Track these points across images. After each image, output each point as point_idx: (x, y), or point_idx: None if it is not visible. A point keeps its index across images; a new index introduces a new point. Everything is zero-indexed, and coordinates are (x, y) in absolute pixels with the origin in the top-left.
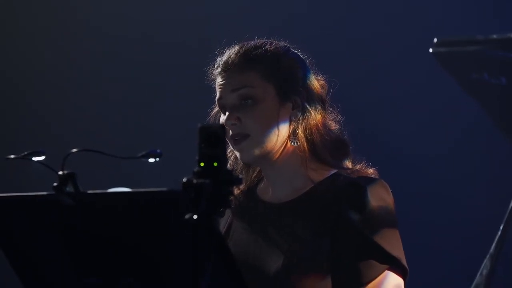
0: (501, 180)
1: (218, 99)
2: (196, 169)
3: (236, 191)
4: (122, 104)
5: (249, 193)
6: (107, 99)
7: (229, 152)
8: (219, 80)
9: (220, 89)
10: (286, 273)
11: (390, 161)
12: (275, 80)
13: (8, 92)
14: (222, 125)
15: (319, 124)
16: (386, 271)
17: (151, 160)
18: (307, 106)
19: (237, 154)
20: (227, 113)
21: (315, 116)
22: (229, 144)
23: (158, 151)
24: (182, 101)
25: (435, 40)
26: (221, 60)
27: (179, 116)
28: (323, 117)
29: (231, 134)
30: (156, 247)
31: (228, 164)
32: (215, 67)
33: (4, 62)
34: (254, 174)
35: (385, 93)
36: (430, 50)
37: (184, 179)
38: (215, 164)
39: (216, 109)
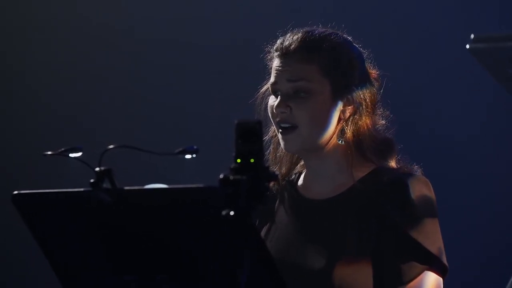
0: None
1: (273, 84)
2: (232, 165)
3: (277, 185)
4: (156, 103)
5: (291, 190)
6: (140, 98)
7: (270, 139)
8: (276, 64)
9: (276, 74)
10: (328, 271)
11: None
12: (333, 77)
13: (44, 91)
14: (259, 121)
15: (368, 125)
16: (426, 271)
17: (188, 156)
18: (359, 106)
19: (282, 142)
20: (277, 99)
21: (365, 116)
22: (274, 127)
23: (195, 147)
24: (216, 99)
25: (472, 36)
26: (282, 43)
27: (212, 113)
28: (373, 118)
29: (278, 120)
30: (192, 244)
31: (269, 150)
32: (275, 48)
33: (38, 59)
34: (294, 160)
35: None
36: (467, 46)
37: (221, 176)
38: (252, 160)
39: (265, 88)
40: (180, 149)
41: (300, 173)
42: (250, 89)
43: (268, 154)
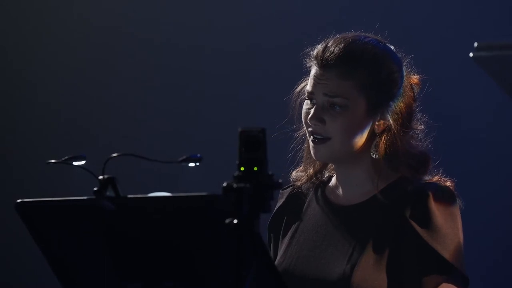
0: None
1: (309, 92)
2: (236, 173)
3: (309, 183)
4: (159, 109)
5: (321, 192)
6: (145, 104)
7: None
8: (314, 73)
9: (313, 84)
10: (347, 277)
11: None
12: (369, 94)
13: (49, 98)
14: (263, 129)
15: (402, 140)
16: (447, 284)
17: (191, 164)
18: (393, 122)
19: (312, 150)
20: (312, 109)
21: (400, 131)
22: (306, 132)
23: (198, 155)
24: (220, 106)
25: (476, 44)
26: (323, 52)
27: (216, 121)
28: (408, 133)
29: (311, 131)
30: (197, 251)
31: (303, 147)
32: (314, 54)
33: (44, 67)
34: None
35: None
36: (471, 54)
37: (225, 184)
38: (256, 168)
39: (301, 85)
40: (184, 157)
41: (332, 176)
42: (253, 92)
43: (303, 151)
